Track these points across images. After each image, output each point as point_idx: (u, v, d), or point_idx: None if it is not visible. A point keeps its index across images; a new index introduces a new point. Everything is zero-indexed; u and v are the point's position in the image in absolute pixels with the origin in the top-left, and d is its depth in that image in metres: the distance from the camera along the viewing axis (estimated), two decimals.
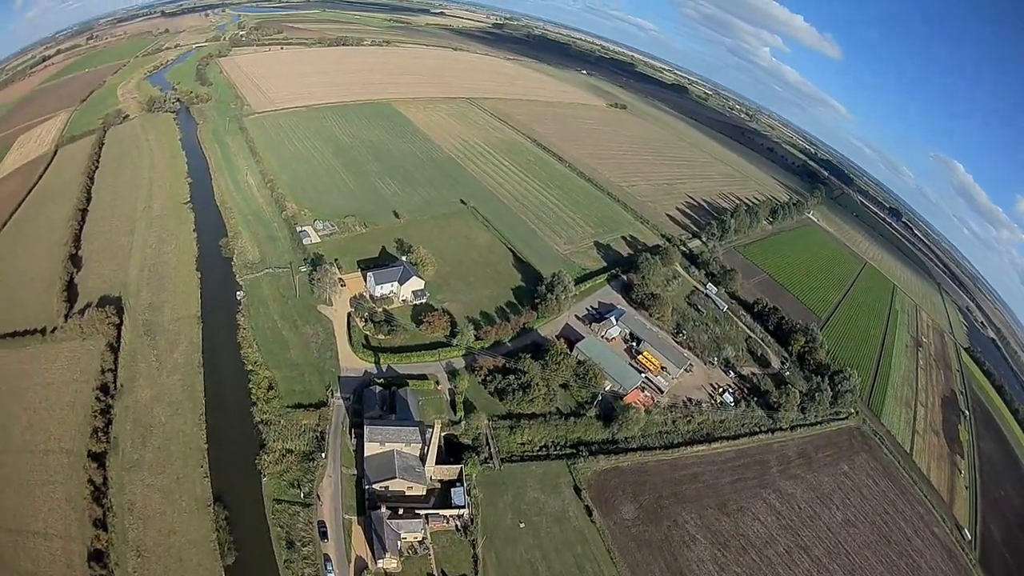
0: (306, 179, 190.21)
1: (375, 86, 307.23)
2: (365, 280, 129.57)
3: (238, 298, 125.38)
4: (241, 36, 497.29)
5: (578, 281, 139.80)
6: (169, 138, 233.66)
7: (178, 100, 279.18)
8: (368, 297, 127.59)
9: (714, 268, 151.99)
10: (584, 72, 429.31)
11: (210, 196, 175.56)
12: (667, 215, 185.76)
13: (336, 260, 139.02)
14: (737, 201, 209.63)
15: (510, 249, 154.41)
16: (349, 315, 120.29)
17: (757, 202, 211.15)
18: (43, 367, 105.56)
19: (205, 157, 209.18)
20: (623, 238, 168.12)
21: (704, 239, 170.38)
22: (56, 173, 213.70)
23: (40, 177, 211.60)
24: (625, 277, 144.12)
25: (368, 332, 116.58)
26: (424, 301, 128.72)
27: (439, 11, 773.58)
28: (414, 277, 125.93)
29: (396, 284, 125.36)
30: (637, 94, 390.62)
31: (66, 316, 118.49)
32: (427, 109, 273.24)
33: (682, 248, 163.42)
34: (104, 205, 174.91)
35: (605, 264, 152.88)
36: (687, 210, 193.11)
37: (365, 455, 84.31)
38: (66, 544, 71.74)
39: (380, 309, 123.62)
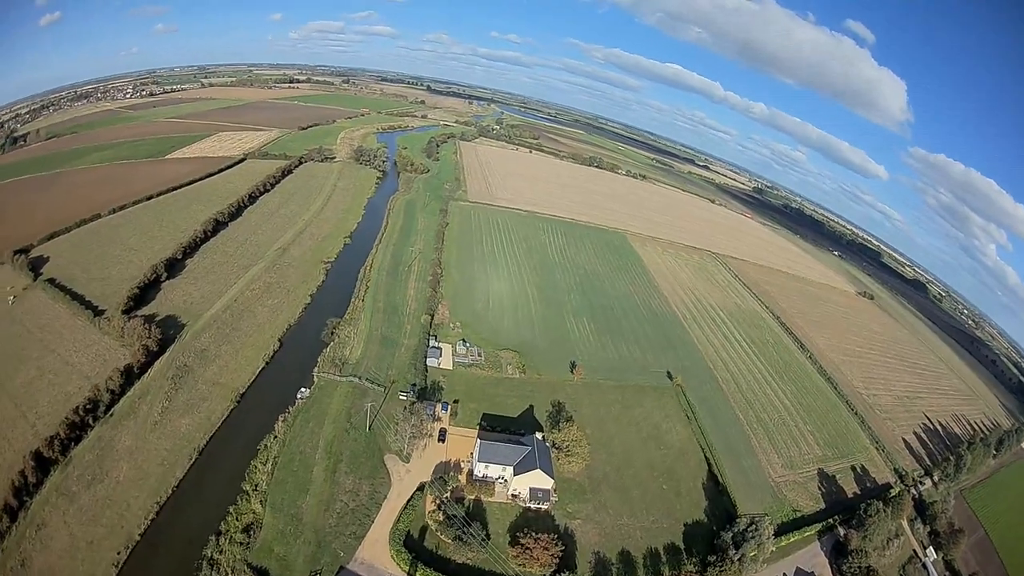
0: (480, 287, 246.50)
1: (615, 213, 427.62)
2: (474, 447, 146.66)
3: (298, 396, 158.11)
4: (493, 129, 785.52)
5: (781, 531, 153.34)
6: (358, 192, 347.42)
7: (394, 162, 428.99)
8: (467, 472, 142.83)
9: (941, 524, 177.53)
10: (836, 253, 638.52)
11: (357, 266, 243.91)
12: (903, 439, 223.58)
13: (455, 403, 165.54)
14: (970, 427, 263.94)
15: (708, 459, 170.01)
16: (423, 487, 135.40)
17: (986, 428, 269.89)
18: (75, 346, 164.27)
19: (383, 224, 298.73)
20: (853, 468, 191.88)
21: (936, 479, 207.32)
22: (227, 178, 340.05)
23: (211, 175, 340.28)
24: (842, 532, 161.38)
25: (431, 523, 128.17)
26: (545, 508, 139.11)
27: (704, 164, 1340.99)
28: (539, 469, 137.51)
29: (509, 469, 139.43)
30: (883, 285, 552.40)
31: (124, 312, 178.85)
32: (665, 252, 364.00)
33: (913, 490, 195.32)
34: (245, 229, 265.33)
35: (823, 506, 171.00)
36: (923, 434, 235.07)
37: None
38: None
39: (471, 497, 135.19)
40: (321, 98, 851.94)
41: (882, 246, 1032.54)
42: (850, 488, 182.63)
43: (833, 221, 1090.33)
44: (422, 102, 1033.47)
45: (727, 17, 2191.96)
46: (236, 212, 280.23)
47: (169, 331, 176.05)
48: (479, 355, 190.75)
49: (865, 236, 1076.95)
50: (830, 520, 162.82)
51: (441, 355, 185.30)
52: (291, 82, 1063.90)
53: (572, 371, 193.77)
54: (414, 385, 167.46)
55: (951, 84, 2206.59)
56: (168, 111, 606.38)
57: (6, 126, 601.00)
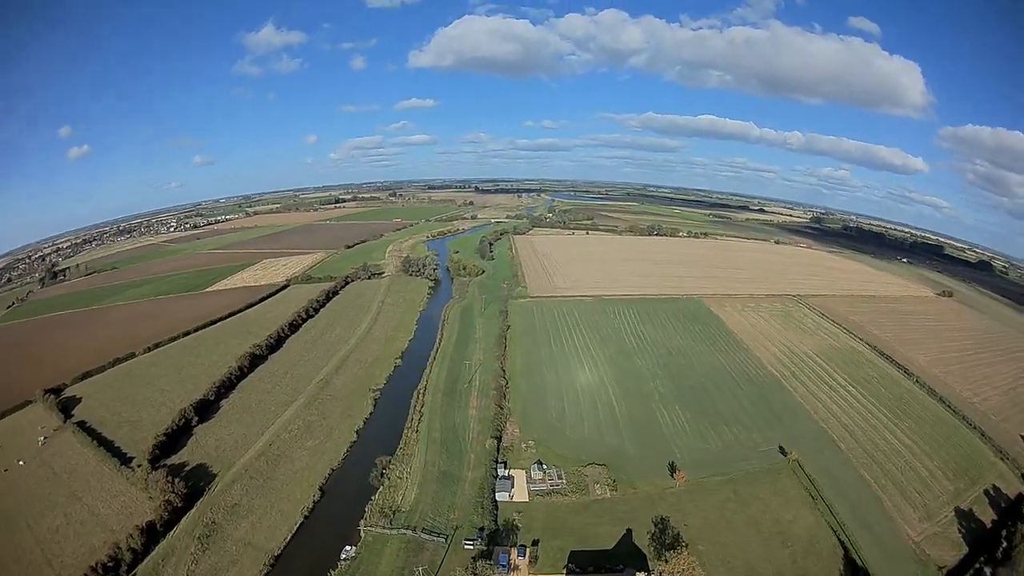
0: (552, 393, 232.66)
1: (685, 279, 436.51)
2: None
3: (342, 556, 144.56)
4: (546, 218, 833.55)
5: None
6: (408, 307, 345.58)
7: (446, 268, 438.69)
8: None
9: None
10: (904, 260, 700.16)
11: (409, 390, 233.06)
12: (1020, 436, 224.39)
13: (534, 544, 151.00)
14: None
15: (841, 542, 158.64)
16: None
17: None
18: (102, 495, 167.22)
19: (437, 338, 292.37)
20: (986, 492, 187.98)
21: None
22: (269, 307, 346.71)
23: (251, 305, 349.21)
24: (988, 572, 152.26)
25: None
26: None
27: (758, 208, 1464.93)
28: None
29: None
30: (955, 278, 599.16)
31: (151, 460, 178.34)
32: (745, 308, 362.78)
33: None
34: (285, 361, 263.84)
35: (966, 550, 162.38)
36: None
37: None
38: None
39: None
40: (367, 214, 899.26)
41: (940, 239, 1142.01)
42: (987, 516, 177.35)
43: (892, 229, 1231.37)
44: (471, 203, 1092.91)
45: (741, 52, 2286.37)
46: (276, 343, 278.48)
47: (199, 482, 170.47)
48: (559, 477, 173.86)
49: (923, 234, 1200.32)
50: (977, 565, 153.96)
51: (513, 485, 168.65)
52: (336, 202, 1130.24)
53: (673, 475, 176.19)
54: (482, 529, 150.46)
55: (957, 48, 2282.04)
56: (211, 242, 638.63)
57: (47, 260, 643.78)
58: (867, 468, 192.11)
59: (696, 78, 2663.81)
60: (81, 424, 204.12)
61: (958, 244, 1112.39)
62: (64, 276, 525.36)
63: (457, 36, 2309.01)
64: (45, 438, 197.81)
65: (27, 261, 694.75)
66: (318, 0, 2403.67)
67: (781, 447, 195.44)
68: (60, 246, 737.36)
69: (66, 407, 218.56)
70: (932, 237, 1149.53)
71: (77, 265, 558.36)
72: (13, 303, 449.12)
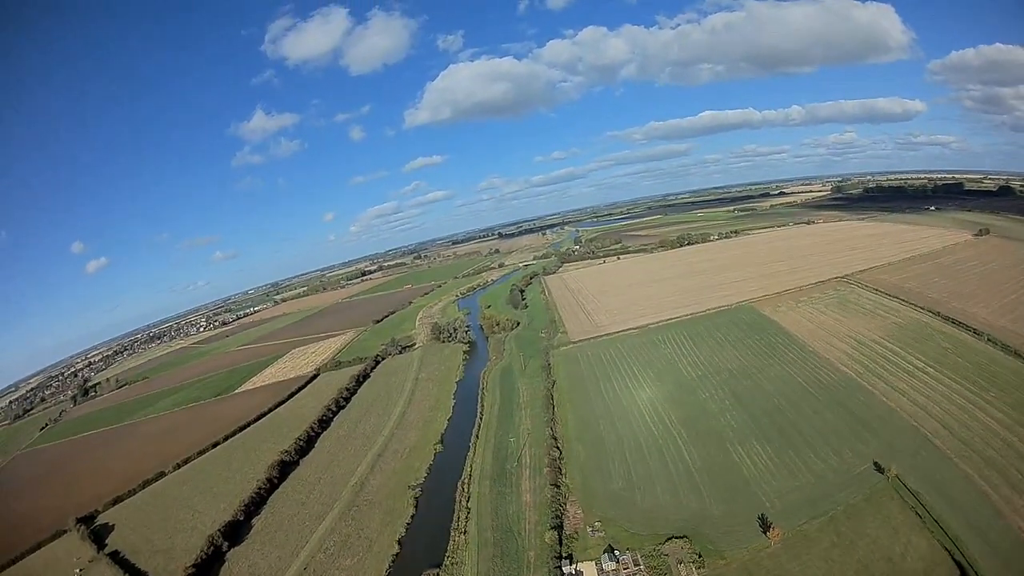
0: (614, 455, 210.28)
1: (729, 285, 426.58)
2: None
3: None
4: (573, 251, 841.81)
5: None
6: (444, 379, 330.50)
7: (479, 327, 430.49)
8: None
9: None
10: (932, 208, 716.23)
11: (452, 481, 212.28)
12: None
13: None
14: None
15: (959, 564, 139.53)
16: None
17: None
18: None
19: (478, 411, 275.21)
20: None
21: None
22: (298, 403, 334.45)
23: (281, 403, 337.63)
24: None
25: None
26: None
27: (778, 192, 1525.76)
28: None
29: None
30: (984, 212, 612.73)
31: None
32: (799, 304, 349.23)
33: None
34: (317, 465, 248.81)
35: None
36: None
37: None
38: None
39: None
40: (393, 283, 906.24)
41: (957, 176, 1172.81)
42: None
43: (910, 179, 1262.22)
44: (497, 251, 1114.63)
45: (723, 39, 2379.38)
46: (306, 446, 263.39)
47: None
48: (635, 563, 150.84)
49: (940, 176, 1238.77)
50: None
51: None
52: (363, 275, 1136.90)
53: (766, 532, 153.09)
54: None
55: None
56: (239, 338, 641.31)
57: (80, 375, 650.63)
58: (967, 461, 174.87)
59: (688, 76, 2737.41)
60: (114, 555, 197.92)
61: (975, 176, 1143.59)
62: (96, 392, 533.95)
63: (447, 87, 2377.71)
64: (80, 571, 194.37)
65: (60, 378, 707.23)
66: (300, 78, 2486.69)
67: (876, 463, 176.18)
68: (92, 360, 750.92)
69: (99, 535, 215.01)
70: (949, 176, 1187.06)
71: (108, 379, 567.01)
72: (46, 424, 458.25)
